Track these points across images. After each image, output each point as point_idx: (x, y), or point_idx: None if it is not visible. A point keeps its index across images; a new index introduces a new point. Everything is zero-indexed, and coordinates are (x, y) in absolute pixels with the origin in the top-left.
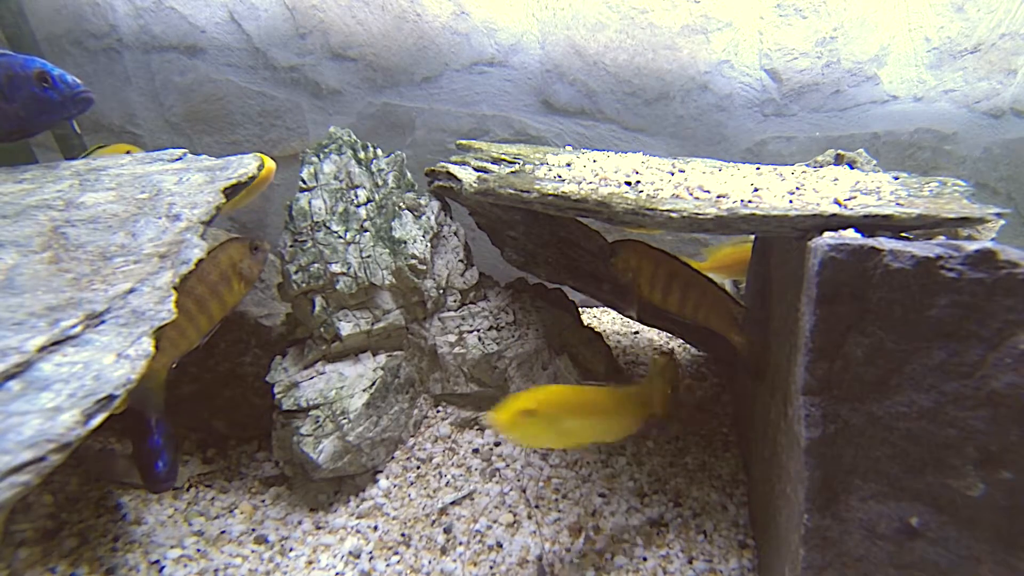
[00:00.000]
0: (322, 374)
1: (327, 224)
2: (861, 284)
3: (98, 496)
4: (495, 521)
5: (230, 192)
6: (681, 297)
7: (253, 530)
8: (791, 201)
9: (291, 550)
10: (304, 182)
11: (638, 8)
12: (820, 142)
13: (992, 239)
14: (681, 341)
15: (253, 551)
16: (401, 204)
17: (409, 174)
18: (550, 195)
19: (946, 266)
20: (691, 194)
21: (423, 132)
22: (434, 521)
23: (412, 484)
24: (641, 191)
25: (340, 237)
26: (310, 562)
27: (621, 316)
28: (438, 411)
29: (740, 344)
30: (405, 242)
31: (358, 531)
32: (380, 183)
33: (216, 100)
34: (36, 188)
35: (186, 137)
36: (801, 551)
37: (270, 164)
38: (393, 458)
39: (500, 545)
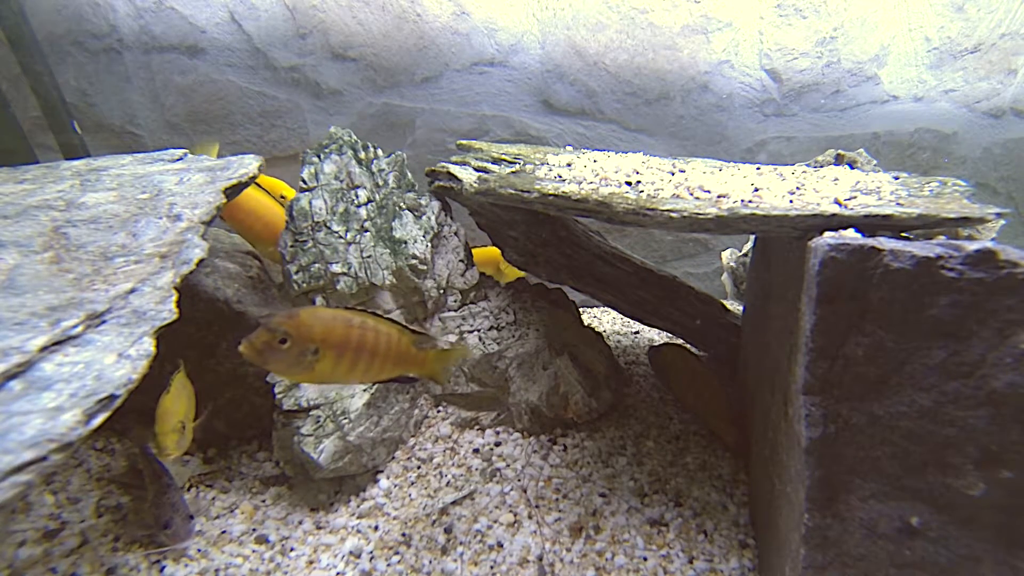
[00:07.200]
0: None
1: (328, 224)
2: (861, 284)
3: (99, 496)
4: (496, 521)
5: (231, 192)
6: (695, 393)
7: (254, 530)
8: (791, 201)
9: (292, 550)
10: (304, 182)
11: (638, 8)
12: (820, 142)
13: (992, 239)
14: (681, 341)
15: (254, 551)
16: (402, 204)
17: (409, 174)
18: (551, 195)
19: (946, 266)
20: (692, 194)
21: (423, 132)
22: (435, 521)
23: (413, 484)
24: (642, 191)
25: (341, 237)
26: (311, 562)
27: (621, 316)
28: (439, 411)
29: (728, 438)
30: (405, 242)
31: (359, 531)
32: (381, 183)
33: (216, 100)
34: (37, 188)
35: (186, 137)
36: (802, 550)
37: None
38: (394, 458)
39: (501, 545)
